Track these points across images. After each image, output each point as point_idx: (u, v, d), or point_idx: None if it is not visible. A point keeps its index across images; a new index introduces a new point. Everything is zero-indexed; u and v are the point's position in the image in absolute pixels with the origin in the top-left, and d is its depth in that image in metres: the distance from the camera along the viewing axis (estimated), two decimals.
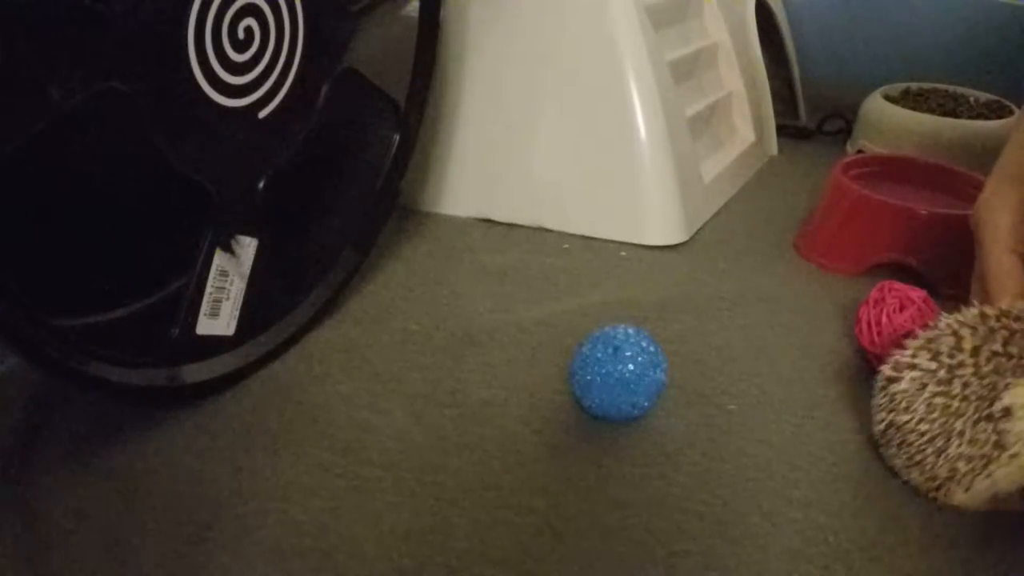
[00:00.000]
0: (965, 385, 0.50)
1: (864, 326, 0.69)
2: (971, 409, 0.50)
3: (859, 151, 1.14)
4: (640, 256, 0.88)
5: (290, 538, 0.51)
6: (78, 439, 0.58)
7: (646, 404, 0.60)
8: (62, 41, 0.47)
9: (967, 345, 0.51)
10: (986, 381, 0.50)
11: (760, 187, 1.08)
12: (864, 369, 0.68)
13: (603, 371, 0.59)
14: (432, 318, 0.74)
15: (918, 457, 0.52)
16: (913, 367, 0.53)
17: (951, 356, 0.51)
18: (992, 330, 0.52)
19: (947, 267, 0.79)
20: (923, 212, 0.82)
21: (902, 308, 0.67)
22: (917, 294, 0.68)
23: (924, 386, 0.52)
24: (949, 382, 0.51)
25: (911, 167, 0.94)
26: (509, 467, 0.57)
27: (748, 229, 0.95)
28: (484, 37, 0.91)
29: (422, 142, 0.85)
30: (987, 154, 1.00)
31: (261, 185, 0.63)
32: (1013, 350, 0.50)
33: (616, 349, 0.59)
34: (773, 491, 0.56)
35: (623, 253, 0.88)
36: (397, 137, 0.78)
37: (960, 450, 0.50)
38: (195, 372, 0.61)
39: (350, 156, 0.78)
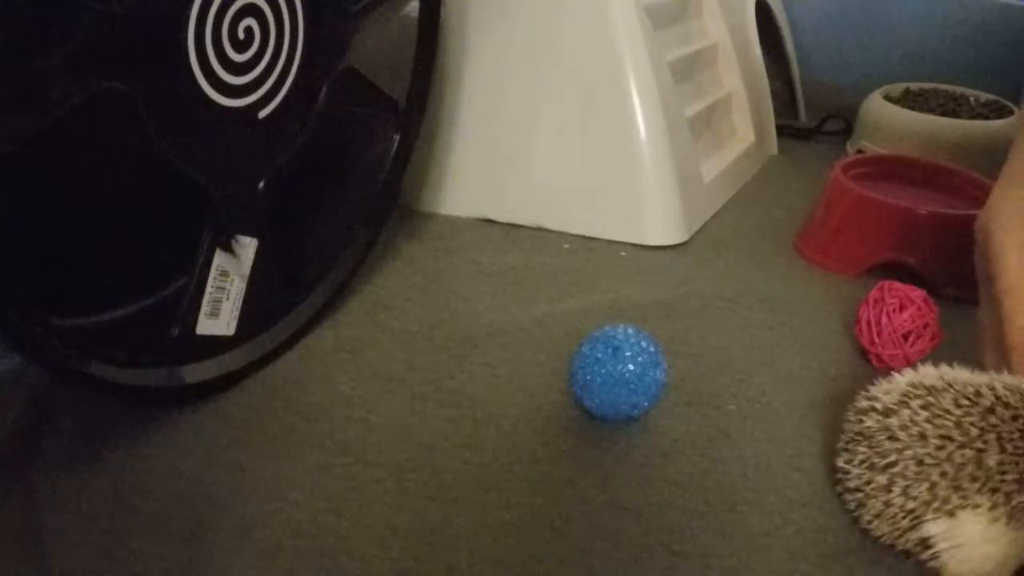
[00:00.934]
0: (887, 504, 0.50)
1: (864, 326, 0.69)
2: (894, 531, 0.50)
3: (859, 151, 1.14)
4: (640, 256, 0.88)
5: (290, 538, 0.51)
6: (78, 439, 0.58)
7: (646, 404, 0.60)
8: (62, 41, 0.47)
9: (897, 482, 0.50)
10: (912, 514, 0.49)
11: (760, 187, 1.08)
12: (864, 369, 0.69)
13: (603, 371, 0.59)
14: (432, 318, 0.74)
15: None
16: (858, 460, 0.52)
17: (884, 470, 0.50)
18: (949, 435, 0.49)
19: (947, 267, 0.79)
20: (923, 212, 0.82)
21: (902, 308, 0.67)
22: (917, 294, 0.68)
23: (868, 483, 0.51)
24: (887, 489, 0.50)
25: (911, 167, 0.94)
26: (509, 467, 0.57)
27: (748, 229, 0.95)
28: (484, 37, 0.91)
29: (422, 142, 0.85)
30: (987, 154, 1.01)
31: (261, 185, 0.63)
32: (940, 483, 0.49)
33: (616, 349, 0.59)
34: (773, 491, 0.56)
35: (623, 253, 0.88)
36: (397, 137, 0.78)
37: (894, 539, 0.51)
38: (195, 372, 0.61)
39: (350, 156, 0.78)
